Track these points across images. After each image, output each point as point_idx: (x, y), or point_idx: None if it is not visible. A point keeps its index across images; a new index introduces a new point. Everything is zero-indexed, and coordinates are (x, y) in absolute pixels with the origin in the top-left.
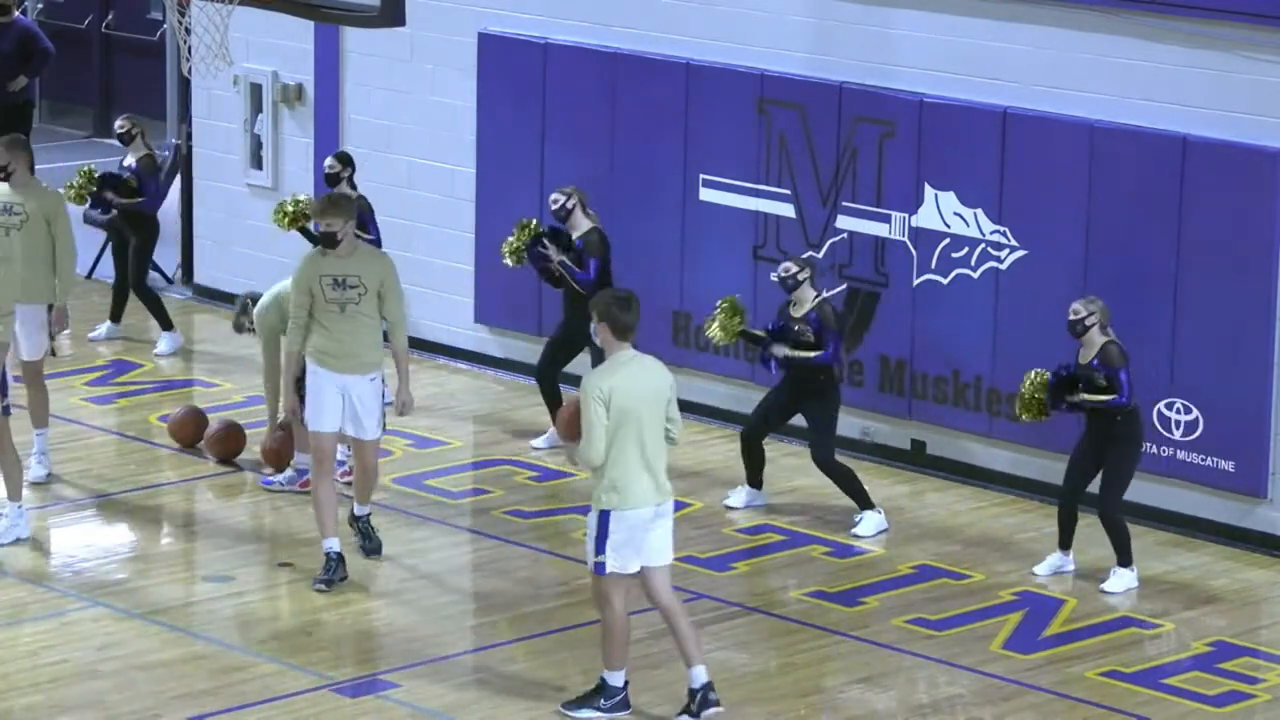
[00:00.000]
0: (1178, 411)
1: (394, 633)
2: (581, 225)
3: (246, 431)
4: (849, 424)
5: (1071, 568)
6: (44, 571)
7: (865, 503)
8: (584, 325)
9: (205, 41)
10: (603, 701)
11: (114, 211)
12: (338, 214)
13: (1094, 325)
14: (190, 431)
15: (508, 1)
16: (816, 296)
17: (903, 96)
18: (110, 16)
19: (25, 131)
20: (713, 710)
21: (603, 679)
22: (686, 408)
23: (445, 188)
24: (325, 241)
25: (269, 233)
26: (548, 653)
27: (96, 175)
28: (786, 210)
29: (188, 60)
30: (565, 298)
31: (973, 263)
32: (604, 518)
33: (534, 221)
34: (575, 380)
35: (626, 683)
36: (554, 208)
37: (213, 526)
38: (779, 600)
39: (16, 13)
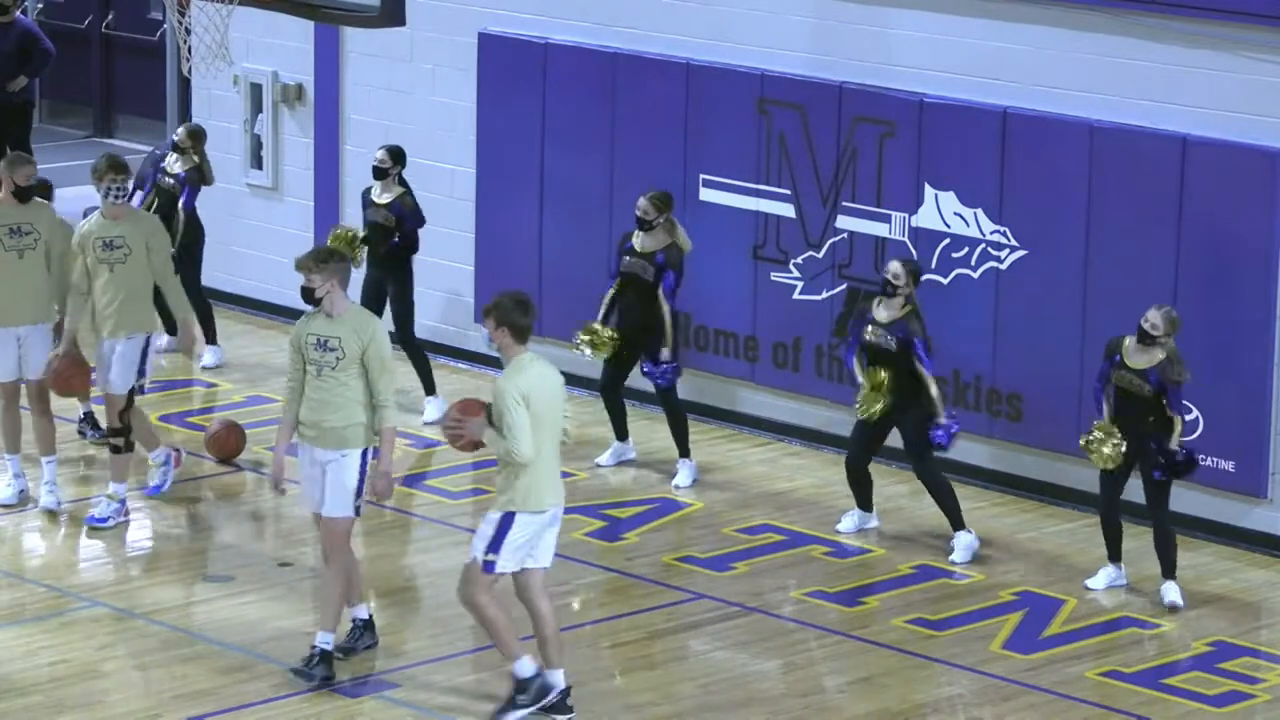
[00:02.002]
0: None
1: (394, 633)
2: (662, 239)
3: (247, 432)
4: (849, 423)
5: (1124, 581)
6: (44, 571)
7: (958, 523)
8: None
9: (205, 41)
10: (523, 696)
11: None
12: (317, 270)
13: (1163, 344)
14: (233, 446)
15: (508, 1)
16: (905, 304)
17: (903, 96)
18: (110, 16)
19: (25, 132)
20: (565, 718)
21: (514, 674)
22: (686, 407)
23: (445, 188)
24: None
25: (269, 233)
26: None
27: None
28: (786, 210)
29: (188, 60)
30: (623, 309)
31: (973, 263)
32: (508, 519)
33: (608, 334)
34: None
35: (539, 669)
36: (639, 215)
37: (213, 527)
38: (779, 600)
39: (16, 13)
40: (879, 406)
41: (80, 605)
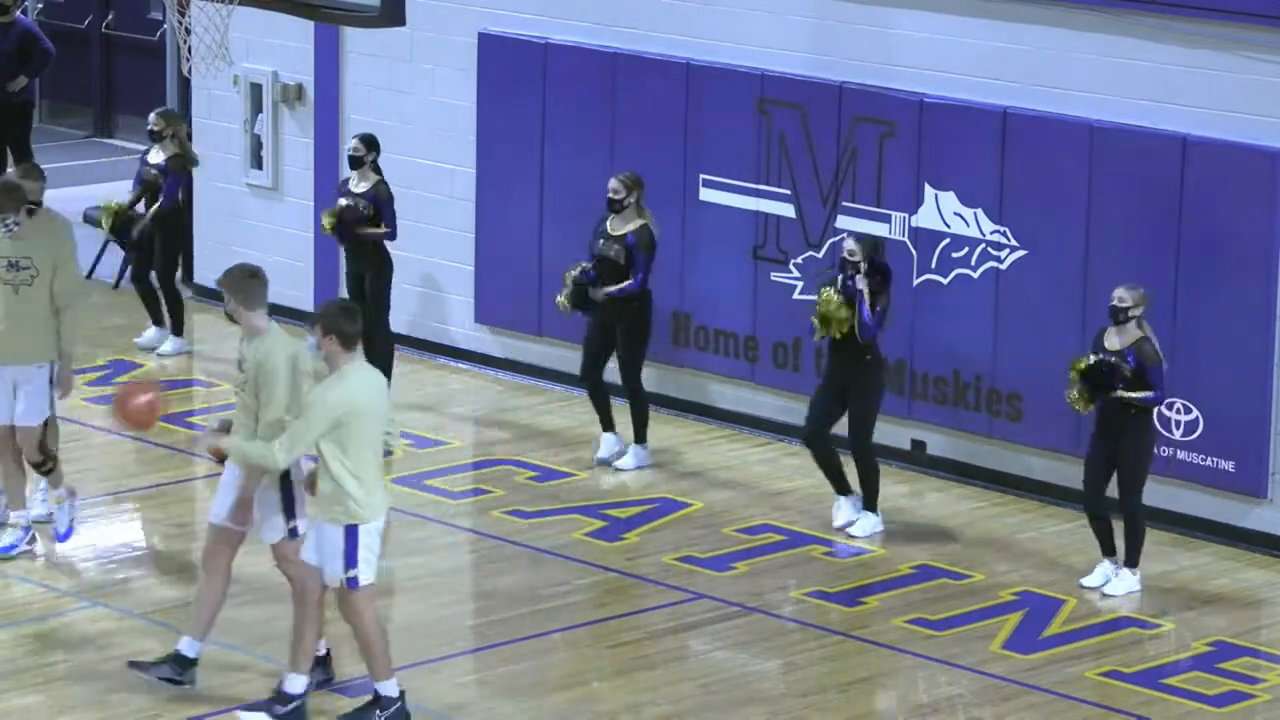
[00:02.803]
0: (1178, 411)
1: (394, 633)
2: (633, 220)
3: None
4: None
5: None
6: (44, 571)
7: (871, 504)
8: (619, 321)
9: (205, 41)
10: (379, 713)
11: (140, 230)
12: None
13: (1135, 317)
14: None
15: (508, 1)
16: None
17: (903, 96)
18: (110, 16)
19: (25, 132)
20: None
21: (376, 692)
22: (686, 407)
23: (445, 188)
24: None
25: (269, 233)
26: (548, 652)
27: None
28: (786, 210)
29: (188, 60)
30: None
31: (973, 263)
32: (352, 532)
33: (577, 270)
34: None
35: (402, 692)
36: (611, 196)
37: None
38: (779, 600)
39: (16, 13)
40: (836, 325)
41: (80, 605)
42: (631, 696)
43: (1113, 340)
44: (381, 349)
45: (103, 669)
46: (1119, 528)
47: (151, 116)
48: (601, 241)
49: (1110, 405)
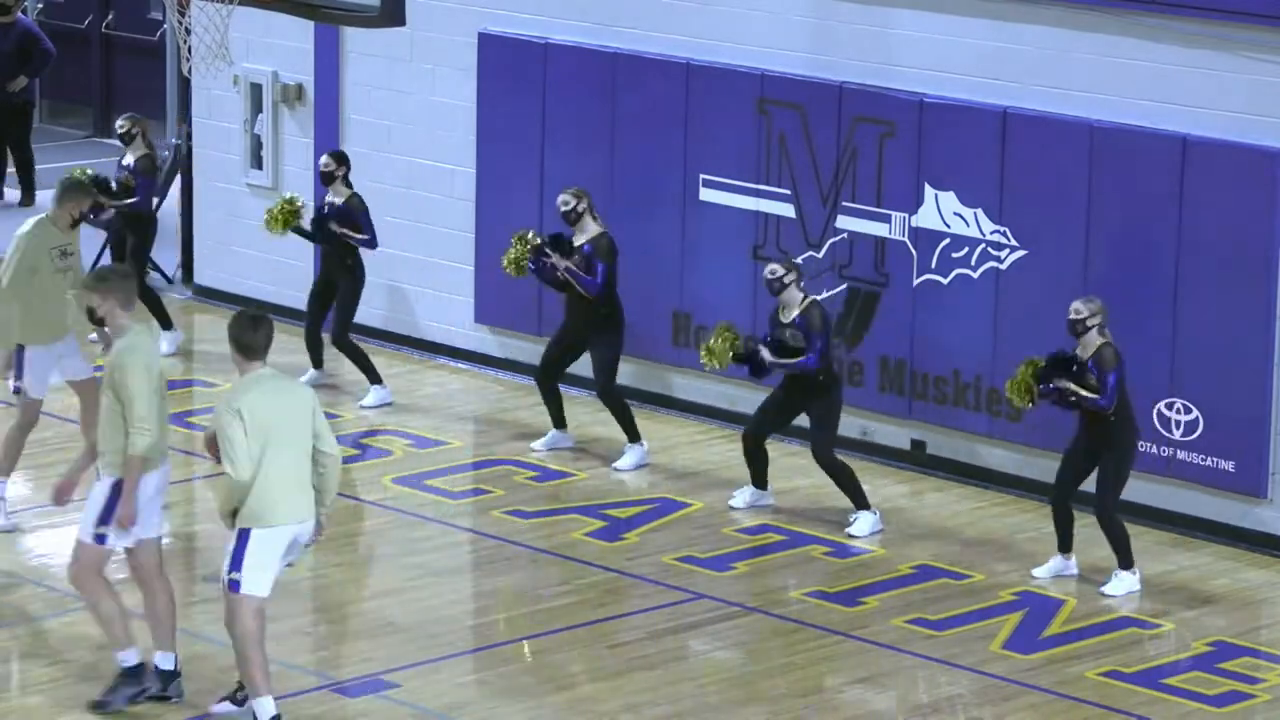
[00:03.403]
0: (1178, 411)
1: (394, 633)
2: (590, 229)
3: None
4: (849, 424)
5: (1074, 571)
6: (44, 571)
7: (861, 502)
8: (586, 328)
9: (205, 41)
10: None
11: (107, 214)
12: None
13: (1094, 326)
14: None
15: (508, 1)
16: (804, 299)
17: (903, 96)
18: (110, 16)
19: (25, 132)
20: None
21: (252, 710)
22: (687, 408)
23: (445, 188)
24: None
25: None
26: (548, 653)
27: (90, 177)
28: (786, 210)
29: (188, 60)
30: (568, 301)
31: (973, 263)
32: (244, 535)
33: (531, 232)
34: (576, 381)
35: (278, 716)
36: (563, 209)
37: (213, 526)
38: (779, 600)
39: (17, 13)
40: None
41: (80, 605)
42: (631, 696)
43: (1079, 354)
44: (352, 355)
45: (103, 669)
46: (1081, 525)
47: (119, 120)
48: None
49: (1090, 413)
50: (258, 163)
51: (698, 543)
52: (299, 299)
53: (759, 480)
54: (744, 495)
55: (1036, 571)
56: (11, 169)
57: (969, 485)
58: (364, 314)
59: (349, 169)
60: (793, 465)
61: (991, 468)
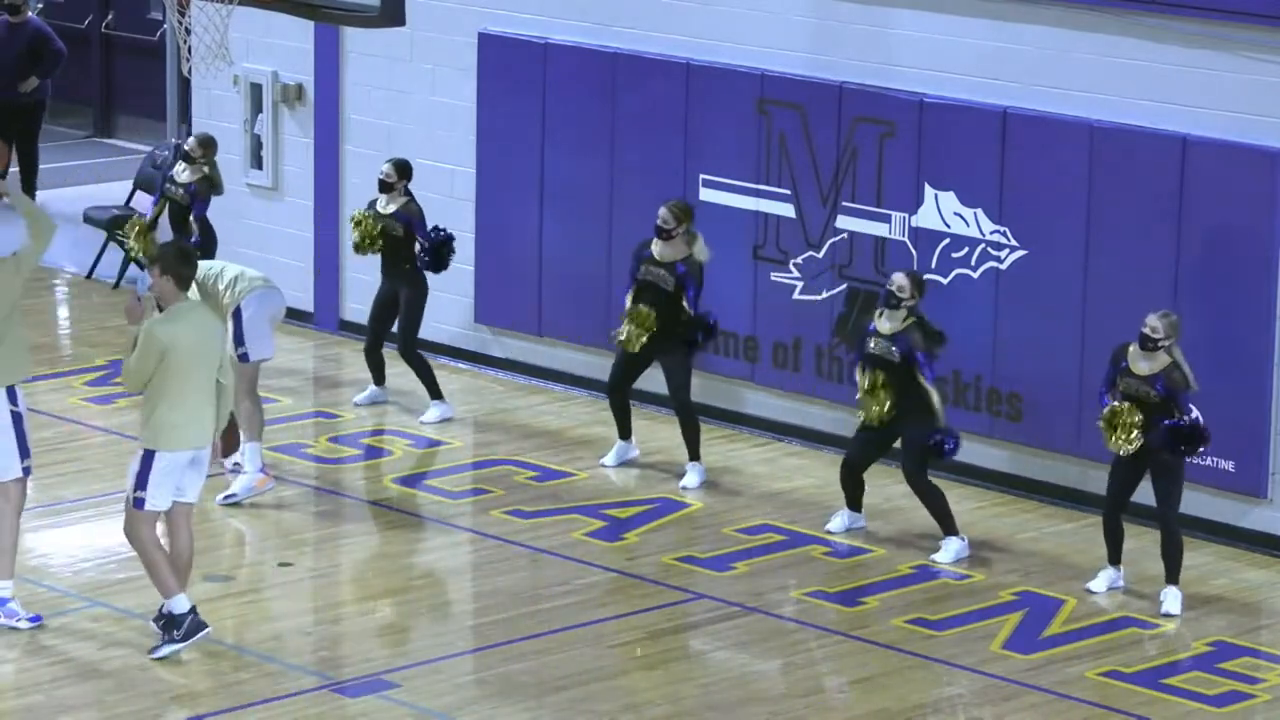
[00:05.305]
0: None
1: (394, 633)
2: (681, 249)
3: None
4: (849, 423)
5: (1122, 584)
6: (44, 571)
7: (950, 528)
8: (666, 344)
9: (205, 41)
10: (176, 633)
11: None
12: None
13: (1164, 346)
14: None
15: (508, 1)
16: (908, 316)
17: (903, 96)
18: (110, 16)
19: (34, 132)
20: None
21: (168, 611)
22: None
23: (445, 188)
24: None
25: (269, 233)
26: (548, 652)
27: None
28: (786, 210)
29: (188, 60)
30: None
31: (973, 263)
32: (149, 456)
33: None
34: (642, 395)
35: (193, 608)
36: (663, 226)
37: (213, 526)
38: (779, 600)
39: (29, 13)
40: (877, 409)
41: (80, 605)
42: (631, 696)
43: (1140, 366)
44: (418, 367)
45: (103, 669)
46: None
47: (190, 139)
48: (645, 267)
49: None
50: (258, 163)
51: (698, 543)
52: (299, 299)
53: (855, 504)
54: (840, 519)
55: (1091, 585)
56: (14, 168)
57: (969, 485)
58: (363, 314)
59: (409, 180)
60: (793, 465)
61: (991, 468)
